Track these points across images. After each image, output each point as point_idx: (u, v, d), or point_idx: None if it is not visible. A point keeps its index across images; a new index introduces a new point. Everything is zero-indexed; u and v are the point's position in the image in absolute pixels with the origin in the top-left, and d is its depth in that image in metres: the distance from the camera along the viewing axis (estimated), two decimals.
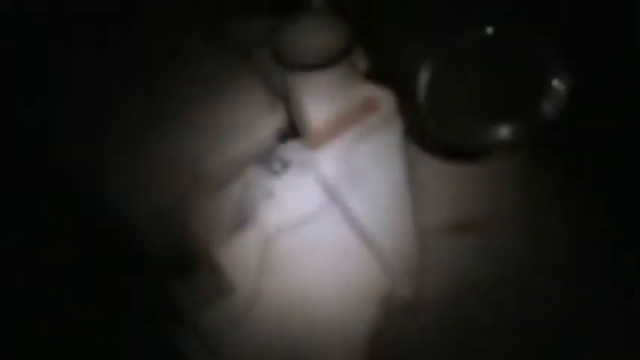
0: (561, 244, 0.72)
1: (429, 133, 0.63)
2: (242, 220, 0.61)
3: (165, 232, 0.60)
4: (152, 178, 0.57)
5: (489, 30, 0.57)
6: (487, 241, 0.73)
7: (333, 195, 0.62)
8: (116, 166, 0.57)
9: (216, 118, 0.60)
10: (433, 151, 0.72)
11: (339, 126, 0.63)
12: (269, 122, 0.62)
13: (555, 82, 0.60)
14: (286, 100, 0.63)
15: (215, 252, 0.60)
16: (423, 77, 0.59)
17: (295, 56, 0.59)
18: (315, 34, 0.60)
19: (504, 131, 0.61)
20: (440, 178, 0.74)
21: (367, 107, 0.63)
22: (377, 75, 0.64)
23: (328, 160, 0.62)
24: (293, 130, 0.65)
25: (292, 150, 0.63)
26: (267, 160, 0.62)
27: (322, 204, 0.62)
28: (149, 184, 0.57)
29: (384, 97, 0.63)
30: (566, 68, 0.59)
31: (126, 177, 0.57)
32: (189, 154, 0.59)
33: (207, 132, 0.60)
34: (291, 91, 0.63)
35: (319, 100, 0.63)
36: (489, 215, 0.74)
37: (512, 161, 0.75)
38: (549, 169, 0.76)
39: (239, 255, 0.60)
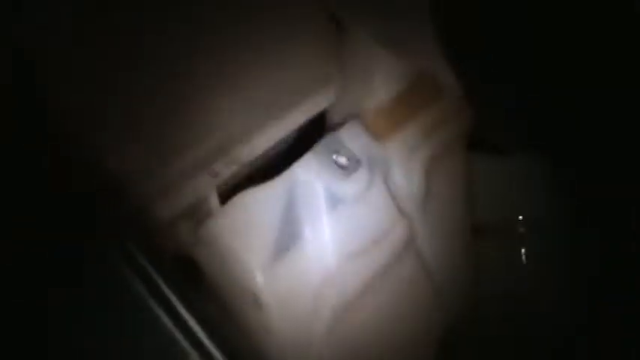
0: None
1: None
2: (289, 237, 0.45)
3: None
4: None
5: None
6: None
7: (403, 215, 0.49)
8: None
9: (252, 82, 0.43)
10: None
11: (404, 110, 0.50)
12: (325, 91, 0.47)
13: None
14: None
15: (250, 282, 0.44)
16: None
17: None
18: None
19: None
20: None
21: (431, 91, 0.51)
22: None
23: (399, 162, 0.49)
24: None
25: (354, 137, 0.47)
26: (329, 148, 0.46)
27: (391, 225, 0.48)
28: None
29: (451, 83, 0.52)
30: None
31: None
32: (220, 133, 0.42)
33: (240, 101, 0.43)
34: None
35: (388, 65, 0.49)
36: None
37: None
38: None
39: (283, 291, 0.44)
